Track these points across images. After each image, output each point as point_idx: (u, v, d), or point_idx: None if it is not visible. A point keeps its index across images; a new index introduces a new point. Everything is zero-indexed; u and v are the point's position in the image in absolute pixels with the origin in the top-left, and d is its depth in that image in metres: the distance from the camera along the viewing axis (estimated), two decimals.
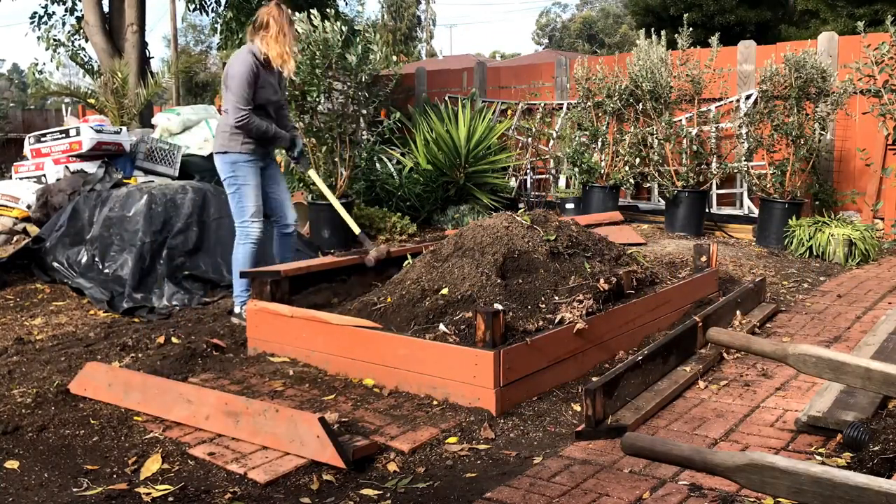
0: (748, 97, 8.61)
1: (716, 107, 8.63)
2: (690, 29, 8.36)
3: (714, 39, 8.29)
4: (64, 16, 13.34)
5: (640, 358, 3.56)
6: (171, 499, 2.68)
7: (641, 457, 1.75)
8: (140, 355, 4.29)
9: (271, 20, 4.65)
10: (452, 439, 3.17)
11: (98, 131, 7.65)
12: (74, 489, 2.75)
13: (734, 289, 5.19)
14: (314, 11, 7.38)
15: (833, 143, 8.34)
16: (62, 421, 3.34)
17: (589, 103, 8.87)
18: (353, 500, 2.67)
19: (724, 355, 4.18)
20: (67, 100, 14.65)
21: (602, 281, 4.16)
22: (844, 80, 7.47)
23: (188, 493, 2.72)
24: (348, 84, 7.56)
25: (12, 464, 2.96)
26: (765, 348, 1.72)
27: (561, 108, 10.13)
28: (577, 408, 3.51)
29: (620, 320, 4.21)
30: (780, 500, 2.52)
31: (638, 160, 8.51)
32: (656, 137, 8.23)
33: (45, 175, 7.69)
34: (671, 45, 9.01)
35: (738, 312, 4.72)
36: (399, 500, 2.67)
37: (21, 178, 7.82)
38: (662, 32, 8.68)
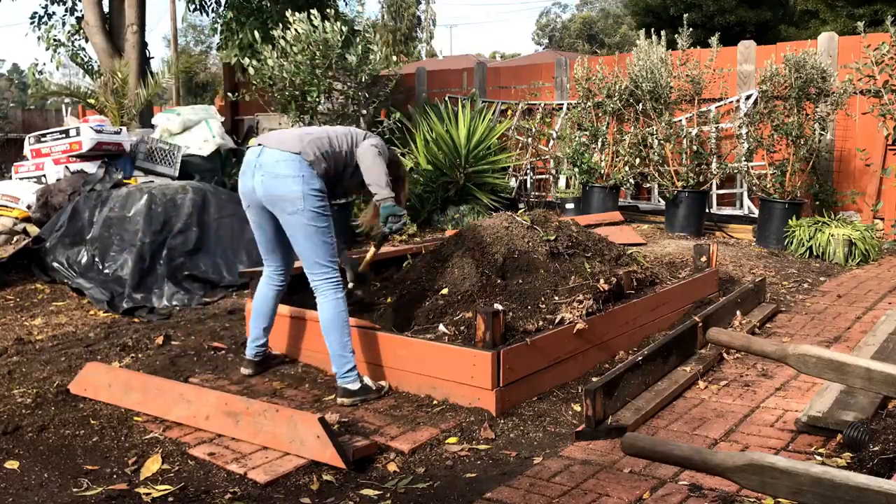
0: (748, 97, 8.61)
1: (716, 107, 8.63)
2: (690, 29, 8.36)
3: (714, 39, 8.28)
4: (64, 16, 13.32)
5: (640, 358, 3.56)
6: (171, 499, 2.68)
7: (641, 457, 1.75)
8: (140, 355, 4.29)
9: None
10: (452, 439, 3.17)
11: (98, 131, 7.64)
12: (74, 489, 2.75)
13: (734, 289, 5.19)
14: (314, 11, 7.38)
15: (833, 143, 8.34)
16: (62, 421, 3.34)
17: (589, 103, 8.87)
18: (353, 500, 2.67)
19: (724, 355, 4.18)
20: (67, 100, 14.65)
21: (602, 281, 4.16)
22: (844, 80, 7.47)
23: (188, 494, 2.72)
24: (348, 84, 7.56)
25: (12, 464, 2.96)
26: (765, 348, 1.72)
27: (561, 109, 10.12)
28: (578, 408, 3.50)
29: (620, 320, 4.21)
30: (780, 500, 2.52)
31: (638, 160, 8.50)
32: (656, 138, 8.23)
33: (45, 175, 7.69)
34: (671, 45, 9.01)
35: (738, 313, 4.72)
36: (399, 500, 2.67)
37: (21, 179, 7.82)
38: (662, 33, 8.68)
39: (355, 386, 3.54)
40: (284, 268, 3.89)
